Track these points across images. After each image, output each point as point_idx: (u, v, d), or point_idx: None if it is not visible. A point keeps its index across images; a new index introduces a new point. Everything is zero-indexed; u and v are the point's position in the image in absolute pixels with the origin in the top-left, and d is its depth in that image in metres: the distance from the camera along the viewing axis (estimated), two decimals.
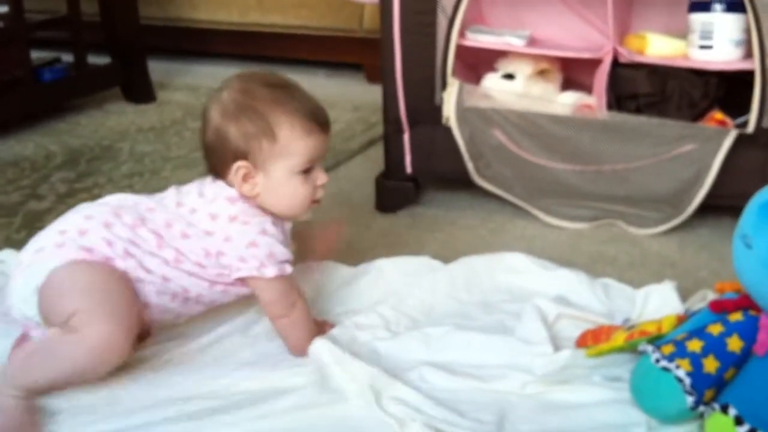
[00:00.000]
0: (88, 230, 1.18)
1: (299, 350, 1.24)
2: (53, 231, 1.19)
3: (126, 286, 1.17)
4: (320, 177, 1.27)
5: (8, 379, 1.11)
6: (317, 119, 1.25)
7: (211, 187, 1.25)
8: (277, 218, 1.26)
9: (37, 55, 2.60)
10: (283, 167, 1.23)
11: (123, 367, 1.17)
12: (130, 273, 1.18)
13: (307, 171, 1.25)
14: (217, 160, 1.25)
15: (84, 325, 1.11)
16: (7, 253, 1.57)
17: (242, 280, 1.23)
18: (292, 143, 1.22)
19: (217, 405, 1.13)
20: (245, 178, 1.23)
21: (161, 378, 1.20)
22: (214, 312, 1.31)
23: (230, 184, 1.24)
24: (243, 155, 1.22)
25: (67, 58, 2.70)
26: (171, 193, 1.28)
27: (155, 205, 1.24)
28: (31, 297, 1.15)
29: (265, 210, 1.25)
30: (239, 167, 1.22)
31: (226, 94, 1.24)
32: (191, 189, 1.27)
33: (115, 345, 1.11)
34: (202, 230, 1.22)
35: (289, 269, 1.23)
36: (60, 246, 1.16)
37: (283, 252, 1.23)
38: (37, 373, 1.11)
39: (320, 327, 1.29)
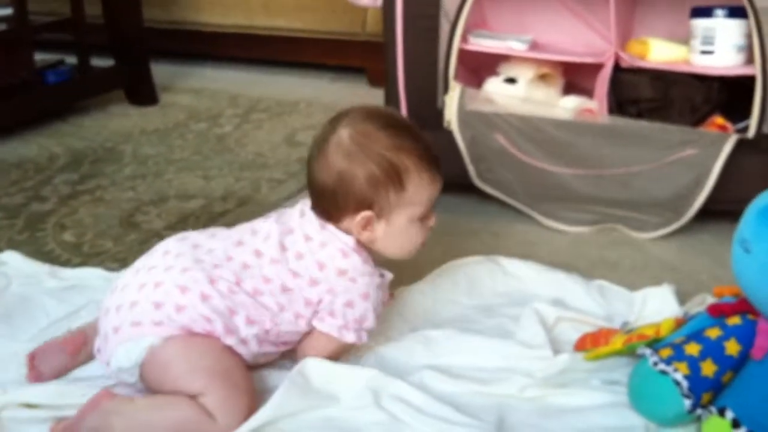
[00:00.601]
0: (185, 307, 1.12)
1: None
2: (149, 301, 1.12)
3: (236, 356, 1.14)
4: (432, 220, 1.26)
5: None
6: (438, 166, 1.23)
7: (321, 232, 1.20)
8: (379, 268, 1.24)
9: (40, 57, 2.62)
10: (404, 216, 1.21)
11: None
12: (236, 346, 1.14)
13: (423, 217, 1.24)
14: (334, 204, 1.19)
15: (221, 414, 1.06)
16: (9, 255, 1.57)
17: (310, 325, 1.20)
18: (418, 192, 1.20)
19: None
20: (366, 225, 1.20)
21: None
22: None
23: (345, 229, 1.20)
24: (368, 204, 1.18)
25: (71, 60, 2.72)
26: (265, 232, 1.21)
27: (250, 259, 1.17)
28: (132, 368, 1.12)
29: (372, 252, 1.22)
30: (363, 217, 1.18)
31: (345, 134, 1.19)
32: (293, 227, 1.21)
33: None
34: (307, 280, 1.17)
35: (365, 338, 1.20)
36: (158, 324, 1.11)
37: (372, 320, 1.20)
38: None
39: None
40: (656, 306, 1.32)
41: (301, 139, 2.37)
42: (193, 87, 3.01)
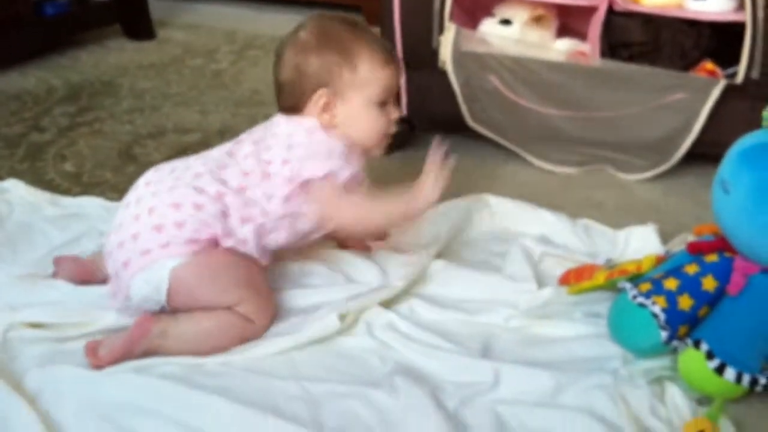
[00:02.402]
0: (184, 221, 1.17)
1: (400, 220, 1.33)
2: (148, 227, 1.17)
3: (247, 259, 1.22)
4: (394, 112, 1.32)
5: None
6: (391, 52, 1.32)
7: (286, 124, 1.28)
8: (352, 150, 1.28)
9: None
10: (361, 97, 1.27)
11: None
12: (237, 246, 1.20)
13: (382, 104, 1.30)
14: (294, 95, 1.28)
15: (255, 315, 1.18)
16: (11, 183, 1.61)
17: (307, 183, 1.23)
18: (371, 73, 1.27)
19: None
20: (325, 107, 1.26)
21: None
22: None
23: (309, 115, 1.27)
24: (324, 84, 1.26)
25: None
26: (235, 144, 1.30)
27: (226, 160, 1.25)
28: (155, 297, 1.17)
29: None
30: (320, 95, 1.25)
31: (303, 34, 1.29)
32: (262, 134, 1.29)
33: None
34: (279, 162, 1.24)
35: (342, 176, 1.23)
36: (165, 246, 1.16)
37: (344, 168, 1.24)
38: (194, 345, 1.15)
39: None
40: (639, 244, 1.37)
41: None
42: (189, 22, 3.01)
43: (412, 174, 1.71)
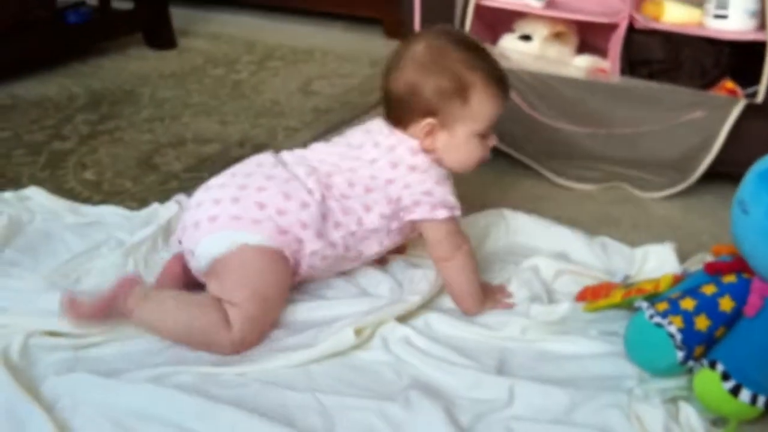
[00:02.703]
0: (286, 211, 1.23)
1: (466, 302, 1.29)
2: (251, 201, 1.23)
3: (287, 285, 1.25)
4: (492, 139, 1.34)
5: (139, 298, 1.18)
6: (504, 86, 1.31)
7: (387, 136, 1.30)
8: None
9: None
10: (467, 129, 1.29)
11: None
12: (317, 253, 1.25)
13: (484, 135, 1.31)
14: (402, 111, 1.29)
15: (238, 324, 1.18)
16: (33, 191, 1.62)
17: (413, 223, 1.30)
18: (481, 107, 1.28)
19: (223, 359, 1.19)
20: (429, 133, 1.28)
21: None
22: None
23: (411, 135, 1.29)
24: (433, 112, 1.27)
25: (91, 1, 2.74)
26: (335, 147, 1.33)
27: (331, 168, 1.29)
28: (208, 257, 1.22)
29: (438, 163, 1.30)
30: (428, 123, 1.27)
31: (420, 48, 1.28)
32: (362, 140, 1.32)
33: (244, 351, 1.19)
34: (383, 180, 1.28)
35: (458, 212, 1.29)
36: (257, 222, 1.22)
37: (454, 200, 1.29)
38: (168, 317, 1.19)
39: (491, 291, 1.32)
40: (656, 263, 1.37)
41: (316, 88, 2.40)
42: (211, 32, 3.03)
43: None
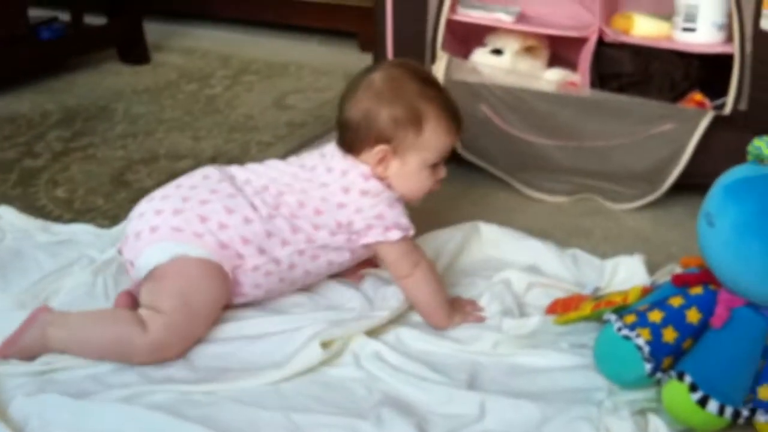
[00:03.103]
0: (228, 226, 1.24)
1: (433, 317, 1.29)
2: (193, 214, 1.23)
3: (221, 301, 1.25)
4: (442, 172, 1.35)
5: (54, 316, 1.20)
6: (458, 120, 1.34)
7: (340, 161, 1.32)
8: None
9: (34, 13, 2.63)
10: (418, 159, 1.31)
11: None
12: (259, 268, 1.26)
13: (434, 165, 1.33)
14: (356, 138, 1.31)
15: (156, 327, 1.17)
16: (3, 210, 1.62)
17: (366, 246, 1.31)
18: (434, 139, 1.30)
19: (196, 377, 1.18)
20: (381, 160, 1.30)
21: None
22: None
23: (363, 161, 1.31)
24: (386, 140, 1.29)
25: (64, 16, 2.73)
26: (289, 167, 1.34)
27: (284, 188, 1.29)
28: (148, 268, 1.23)
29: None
30: (381, 150, 1.29)
31: (377, 77, 1.31)
32: (315, 163, 1.33)
33: (165, 357, 1.19)
34: (335, 203, 1.28)
35: (411, 232, 1.30)
36: (198, 236, 1.22)
37: (407, 222, 1.30)
38: (79, 334, 1.19)
39: (460, 305, 1.33)
40: (626, 275, 1.38)
41: (291, 102, 2.41)
42: (185, 47, 3.03)
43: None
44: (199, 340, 1.23)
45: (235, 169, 1.34)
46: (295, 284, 1.33)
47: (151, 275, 1.23)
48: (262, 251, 1.25)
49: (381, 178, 1.31)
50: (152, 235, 1.23)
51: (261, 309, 1.31)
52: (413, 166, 1.31)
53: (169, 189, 1.30)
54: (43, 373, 1.16)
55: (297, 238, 1.27)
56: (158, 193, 1.29)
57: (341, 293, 1.36)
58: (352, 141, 1.32)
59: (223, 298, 1.25)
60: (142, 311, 1.20)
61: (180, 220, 1.23)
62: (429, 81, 1.34)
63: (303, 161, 1.36)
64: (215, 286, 1.23)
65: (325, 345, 1.19)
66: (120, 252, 1.30)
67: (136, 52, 2.81)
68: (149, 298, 1.22)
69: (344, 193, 1.29)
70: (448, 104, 1.33)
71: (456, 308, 1.31)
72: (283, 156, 1.96)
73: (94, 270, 1.39)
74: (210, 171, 1.33)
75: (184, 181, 1.31)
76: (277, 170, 1.34)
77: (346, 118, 1.32)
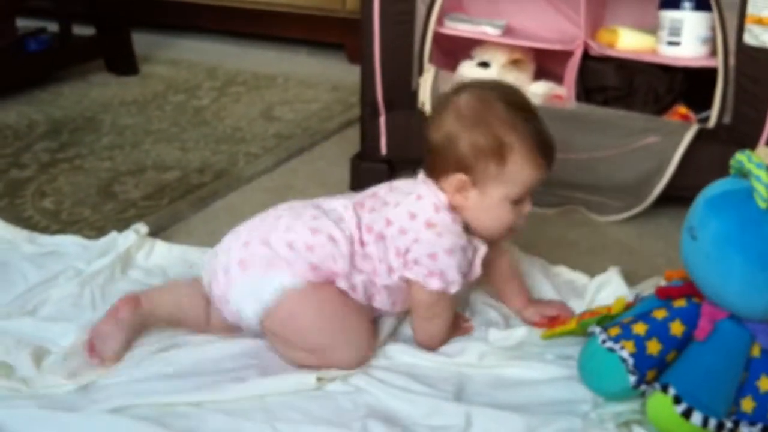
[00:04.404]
0: (315, 246, 1.20)
1: (423, 344, 1.27)
2: (282, 240, 1.20)
3: (356, 306, 1.23)
4: (527, 207, 1.26)
5: None
6: (547, 155, 1.22)
7: (419, 186, 1.25)
8: (472, 237, 1.25)
9: (22, 24, 2.63)
10: (500, 192, 1.21)
11: None
12: (347, 290, 1.22)
13: (518, 200, 1.23)
14: (437, 162, 1.23)
15: (330, 356, 1.19)
16: None
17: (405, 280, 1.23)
18: (518, 173, 1.20)
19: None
20: (460, 189, 1.21)
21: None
22: None
23: (442, 189, 1.23)
24: (466, 168, 1.20)
25: (52, 28, 2.73)
26: (371, 191, 1.29)
27: (358, 212, 1.24)
28: (258, 310, 1.20)
29: (465, 223, 1.24)
30: (458, 179, 1.21)
31: (464, 99, 1.22)
32: (402, 186, 1.27)
33: (366, 358, 1.21)
34: (397, 228, 1.21)
35: (452, 289, 1.22)
36: (290, 264, 1.19)
37: (455, 276, 1.21)
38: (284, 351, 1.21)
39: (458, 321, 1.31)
40: (608, 294, 1.37)
41: (278, 113, 2.41)
42: (172, 58, 3.03)
43: None
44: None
45: (321, 200, 1.29)
46: (371, 301, 1.27)
47: (269, 328, 1.21)
48: (344, 275, 1.21)
49: (459, 209, 1.23)
50: (242, 269, 1.20)
51: None
52: (493, 200, 1.21)
53: (254, 221, 1.27)
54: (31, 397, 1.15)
55: (366, 266, 1.23)
56: (243, 226, 1.27)
57: None
58: (433, 164, 1.24)
59: (346, 301, 1.22)
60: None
61: (268, 250, 1.20)
62: (520, 107, 1.22)
63: (395, 183, 1.30)
64: (339, 298, 1.21)
65: (320, 380, 1.18)
66: (209, 288, 1.26)
67: (123, 64, 2.81)
68: (287, 352, 1.21)
69: (410, 219, 1.21)
70: (539, 135, 1.21)
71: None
72: (272, 167, 1.99)
73: (81, 281, 1.39)
74: (294, 202, 1.29)
75: (270, 212, 1.28)
76: (364, 194, 1.29)
77: (431, 140, 1.23)
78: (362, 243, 1.22)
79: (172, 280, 1.40)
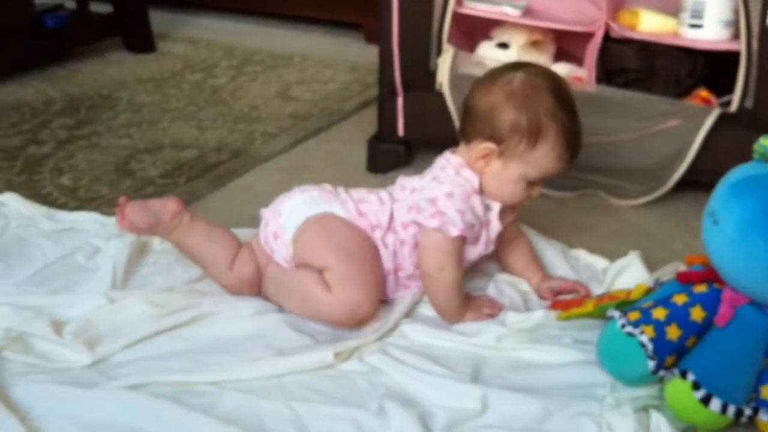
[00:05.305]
0: (365, 200, 1.33)
1: (443, 315, 1.30)
2: (340, 189, 1.36)
3: (377, 254, 1.31)
4: (537, 191, 1.34)
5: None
6: (573, 152, 1.31)
7: (450, 159, 1.33)
8: (484, 197, 1.32)
9: (39, 0, 2.63)
10: (520, 169, 1.29)
11: None
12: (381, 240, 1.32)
13: (533, 182, 1.32)
14: (473, 126, 1.31)
15: (338, 287, 1.25)
16: (8, 197, 1.62)
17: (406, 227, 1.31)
18: (543, 158, 1.28)
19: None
20: (485, 156, 1.29)
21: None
22: None
23: (467, 150, 1.32)
24: (499, 140, 1.28)
25: (70, 4, 2.73)
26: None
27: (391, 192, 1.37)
28: (299, 224, 1.31)
29: (480, 187, 1.31)
30: (488, 147, 1.28)
31: (518, 78, 1.29)
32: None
33: (360, 313, 1.25)
34: (410, 190, 1.34)
35: (454, 231, 1.26)
36: (344, 203, 1.33)
37: (456, 218, 1.26)
38: (283, 301, 1.30)
39: (477, 303, 1.32)
40: (628, 279, 1.36)
41: (295, 93, 2.40)
42: (190, 36, 3.02)
43: None
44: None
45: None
46: (397, 273, 1.34)
47: (299, 237, 1.30)
48: (389, 228, 1.31)
49: (478, 173, 1.30)
50: (300, 191, 1.35)
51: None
52: (512, 174, 1.30)
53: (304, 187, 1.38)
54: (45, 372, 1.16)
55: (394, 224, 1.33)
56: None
57: None
58: (468, 127, 1.32)
59: (375, 250, 1.31)
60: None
61: (323, 191, 1.35)
62: (565, 103, 1.30)
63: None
64: (364, 239, 1.30)
65: (336, 354, 1.19)
66: (264, 225, 1.36)
67: (140, 41, 2.81)
68: (306, 257, 1.30)
69: (434, 182, 1.31)
70: (572, 132, 1.30)
71: (473, 306, 1.31)
72: (288, 147, 1.99)
73: (101, 259, 1.42)
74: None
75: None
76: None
77: (472, 103, 1.31)
78: (394, 200, 1.34)
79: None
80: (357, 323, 1.26)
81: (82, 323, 1.23)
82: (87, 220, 1.57)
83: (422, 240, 1.29)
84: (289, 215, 1.32)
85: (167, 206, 1.34)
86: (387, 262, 1.31)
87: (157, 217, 1.33)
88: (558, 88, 1.30)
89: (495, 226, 1.32)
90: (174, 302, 1.29)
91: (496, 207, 1.32)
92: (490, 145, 1.28)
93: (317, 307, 1.25)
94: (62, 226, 1.55)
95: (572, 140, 1.30)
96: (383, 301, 1.33)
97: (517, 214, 1.41)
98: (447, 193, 1.28)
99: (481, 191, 1.31)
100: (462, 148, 1.34)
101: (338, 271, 1.26)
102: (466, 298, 1.32)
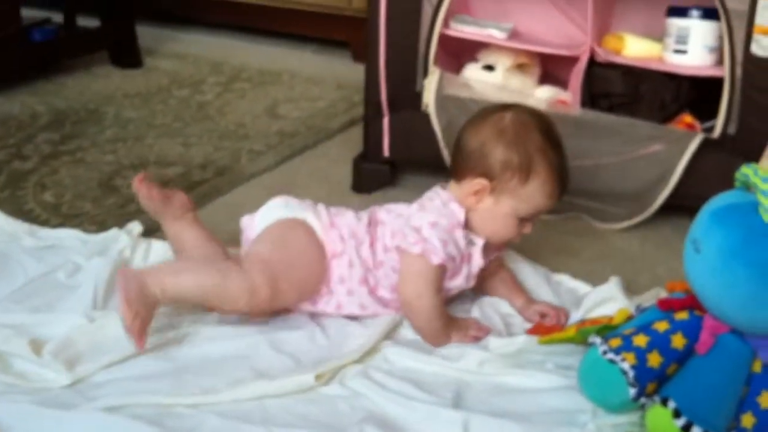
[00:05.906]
0: (340, 213, 1.37)
1: (425, 339, 1.30)
2: (317, 203, 1.39)
3: (316, 262, 1.32)
4: (528, 228, 1.36)
5: (159, 270, 1.28)
6: (562, 189, 1.35)
7: (439, 192, 1.35)
8: (469, 232, 1.33)
9: (27, 14, 2.62)
10: (511, 205, 1.32)
11: None
12: (353, 265, 1.32)
13: (524, 219, 1.34)
14: (464, 164, 1.33)
15: (250, 267, 1.27)
16: None
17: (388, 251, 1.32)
18: (534, 195, 1.31)
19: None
20: (477, 193, 1.31)
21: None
22: None
23: (458, 187, 1.34)
24: (491, 176, 1.30)
25: (57, 18, 2.72)
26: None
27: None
28: (263, 224, 1.36)
29: (468, 223, 1.33)
30: (480, 183, 1.31)
31: (509, 117, 1.33)
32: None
33: (258, 297, 1.26)
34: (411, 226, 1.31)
35: (435, 259, 1.27)
36: (318, 214, 1.35)
37: (438, 247, 1.27)
38: (185, 277, 1.27)
39: (463, 325, 1.32)
40: (607, 310, 1.36)
41: (282, 111, 2.40)
42: (177, 51, 3.02)
43: None
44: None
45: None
46: (375, 292, 1.34)
47: (262, 231, 1.34)
48: (360, 239, 1.33)
49: (469, 209, 1.32)
50: (280, 198, 1.38)
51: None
52: (504, 210, 1.32)
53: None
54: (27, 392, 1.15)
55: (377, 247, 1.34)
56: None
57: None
58: (460, 165, 1.34)
59: (319, 264, 1.31)
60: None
61: (299, 201, 1.38)
62: (554, 142, 1.34)
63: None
64: (313, 249, 1.32)
65: (317, 377, 1.18)
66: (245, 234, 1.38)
67: (128, 56, 2.80)
68: (252, 246, 1.34)
69: (420, 211, 1.33)
70: (562, 170, 1.33)
71: (458, 327, 1.31)
72: (274, 165, 1.98)
73: (82, 277, 1.41)
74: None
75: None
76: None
77: (464, 142, 1.34)
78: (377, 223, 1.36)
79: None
80: (251, 308, 1.27)
81: (61, 342, 1.22)
82: (69, 237, 1.56)
83: (403, 266, 1.30)
84: (263, 216, 1.36)
85: (178, 194, 1.43)
86: (357, 271, 1.32)
87: (169, 197, 1.40)
88: (546, 126, 1.34)
89: (477, 261, 1.33)
90: (154, 322, 1.28)
91: (479, 242, 1.33)
92: (482, 181, 1.30)
93: (225, 282, 1.25)
94: (44, 243, 1.54)
95: (561, 176, 1.33)
96: (356, 317, 1.34)
97: (504, 252, 1.43)
98: (431, 222, 1.29)
99: (467, 226, 1.33)
100: (453, 185, 1.36)
101: (261, 255, 1.29)
102: (451, 320, 1.32)
